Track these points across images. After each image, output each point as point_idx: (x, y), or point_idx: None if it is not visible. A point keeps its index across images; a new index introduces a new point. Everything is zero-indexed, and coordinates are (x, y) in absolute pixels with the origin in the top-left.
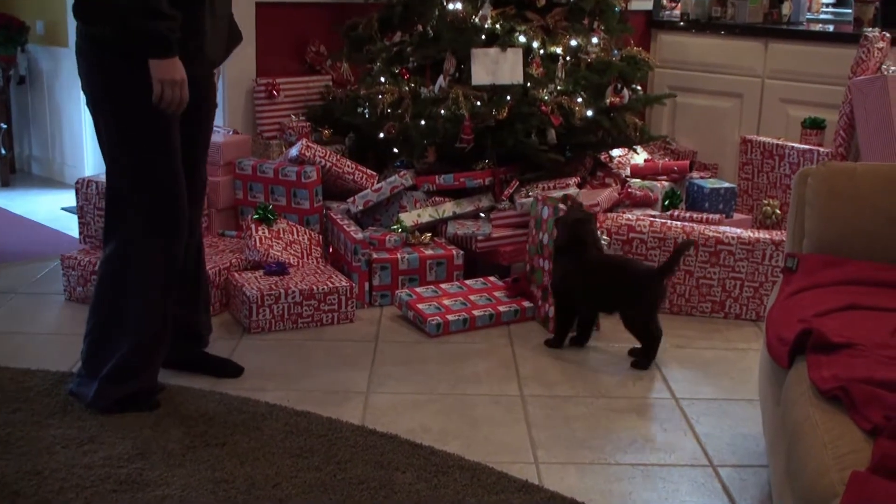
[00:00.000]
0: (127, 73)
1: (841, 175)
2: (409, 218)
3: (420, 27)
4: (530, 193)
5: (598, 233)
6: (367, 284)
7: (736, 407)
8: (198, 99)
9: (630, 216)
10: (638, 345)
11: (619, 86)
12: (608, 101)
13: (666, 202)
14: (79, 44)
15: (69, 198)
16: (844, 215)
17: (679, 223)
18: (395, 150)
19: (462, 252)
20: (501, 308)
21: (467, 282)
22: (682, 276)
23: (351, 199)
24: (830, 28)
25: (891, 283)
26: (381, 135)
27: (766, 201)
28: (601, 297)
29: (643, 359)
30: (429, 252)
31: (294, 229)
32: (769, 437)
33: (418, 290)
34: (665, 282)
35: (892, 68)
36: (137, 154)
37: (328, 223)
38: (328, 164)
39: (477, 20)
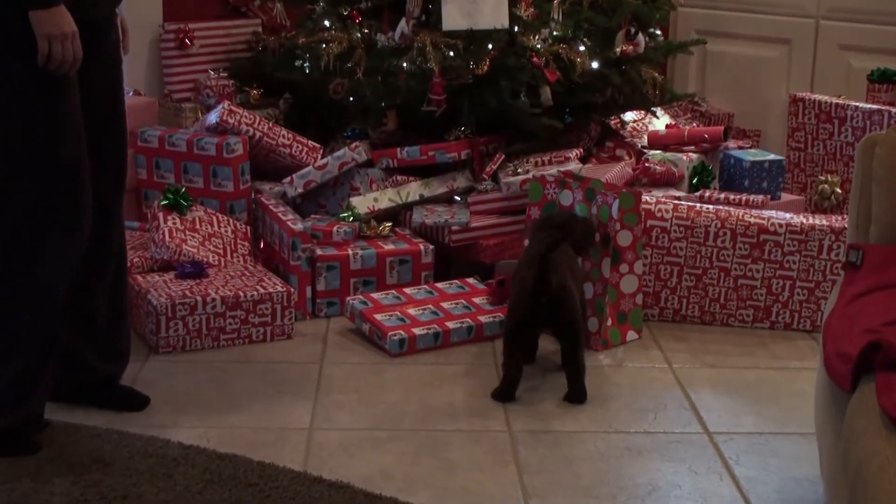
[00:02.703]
0: (6, 29)
1: None
2: (362, 203)
3: None
4: (519, 170)
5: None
6: (309, 289)
7: (786, 443)
8: (102, 53)
9: (648, 198)
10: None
11: (633, 30)
12: (619, 49)
13: (694, 180)
14: None
15: None
16: None
17: (711, 207)
18: (345, 115)
19: (432, 247)
20: (483, 318)
21: (439, 285)
22: (717, 275)
23: (288, 178)
24: None
25: None
26: (327, 95)
27: (822, 178)
28: None
29: (569, 391)
30: (389, 247)
31: (214, 219)
32: (828, 480)
33: (375, 296)
34: (539, 301)
35: None
36: (27, 128)
37: (258, 211)
38: (258, 134)
39: None
